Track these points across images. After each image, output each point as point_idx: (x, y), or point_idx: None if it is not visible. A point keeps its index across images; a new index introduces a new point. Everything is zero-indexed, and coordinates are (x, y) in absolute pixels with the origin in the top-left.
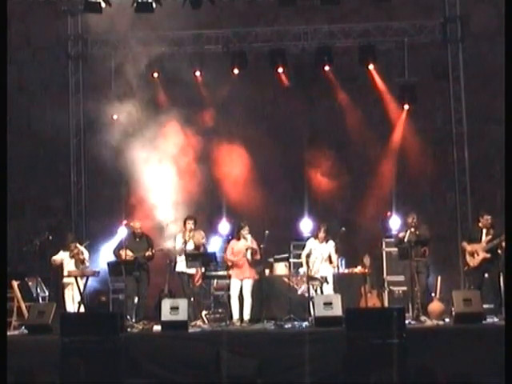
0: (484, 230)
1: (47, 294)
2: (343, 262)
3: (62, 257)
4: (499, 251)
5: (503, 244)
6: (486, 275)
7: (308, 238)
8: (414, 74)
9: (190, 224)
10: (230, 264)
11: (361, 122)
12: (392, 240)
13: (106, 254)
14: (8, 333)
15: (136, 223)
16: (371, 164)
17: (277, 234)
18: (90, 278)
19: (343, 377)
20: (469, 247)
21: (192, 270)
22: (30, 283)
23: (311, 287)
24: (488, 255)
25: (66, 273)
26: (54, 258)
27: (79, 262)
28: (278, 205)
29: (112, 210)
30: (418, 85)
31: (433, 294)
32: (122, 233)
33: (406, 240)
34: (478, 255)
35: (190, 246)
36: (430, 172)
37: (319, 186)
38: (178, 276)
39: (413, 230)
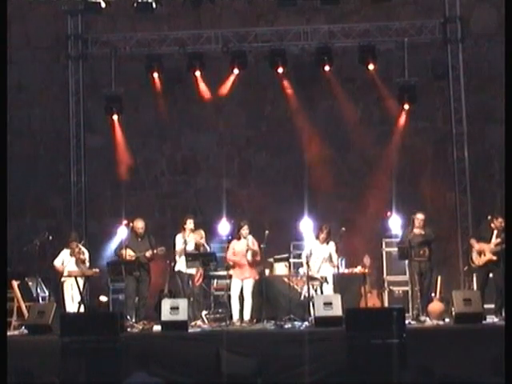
0: (495, 232)
1: (47, 293)
2: (343, 262)
3: (63, 258)
4: None
5: None
6: (491, 275)
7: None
8: (414, 74)
9: (191, 224)
10: (231, 264)
11: (361, 122)
12: (392, 240)
13: (106, 254)
14: (8, 333)
15: (138, 222)
16: (371, 164)
17: (277, 234)
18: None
19: (343, 377)
20: (477, 245)
21: (192, 270)
22: (30, 283)
23: (311, 287)
24: (494, 258)
25: (66, 273)
26: (56, 263)
27: (80, 262)
28: (278, 205)
29: (112, 210)
30: (417, 85)
31: (433, 294)
32: (122, 233)
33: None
34: (484, 255)
35: (191, 247)
36: (429, 172)
37: (319, 185)
38: (178, 275)
39: (417, 230)
